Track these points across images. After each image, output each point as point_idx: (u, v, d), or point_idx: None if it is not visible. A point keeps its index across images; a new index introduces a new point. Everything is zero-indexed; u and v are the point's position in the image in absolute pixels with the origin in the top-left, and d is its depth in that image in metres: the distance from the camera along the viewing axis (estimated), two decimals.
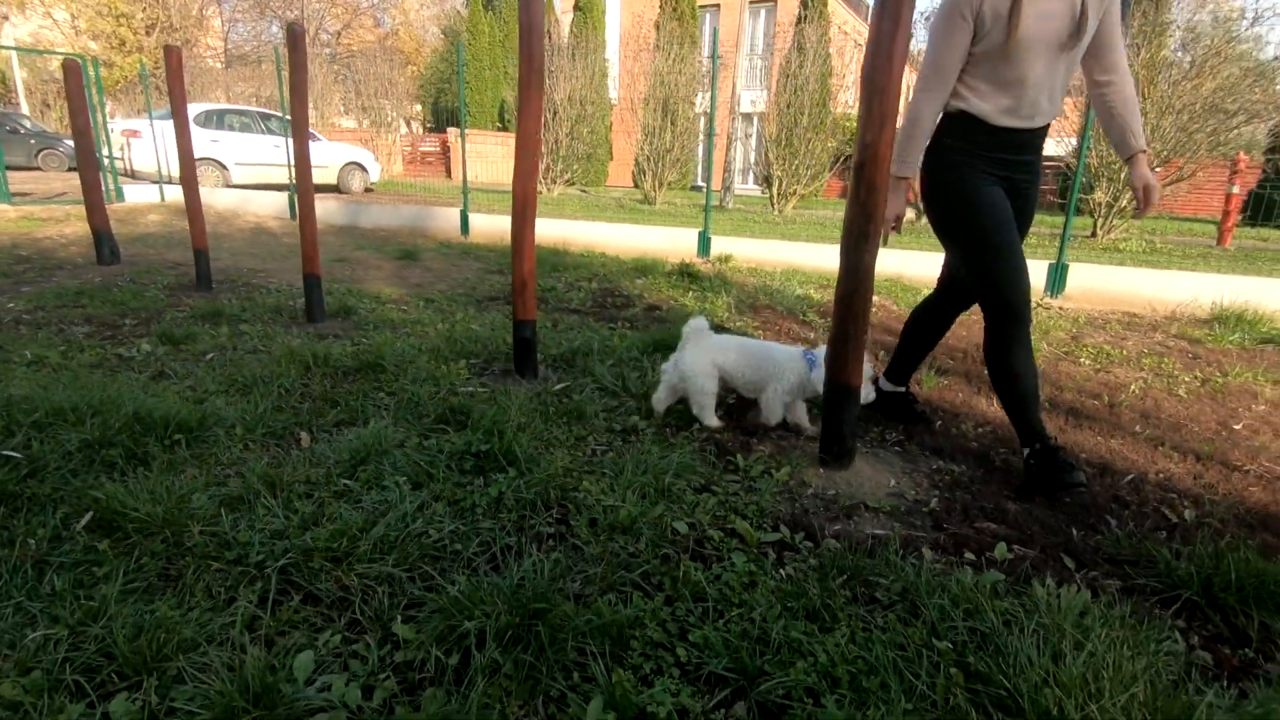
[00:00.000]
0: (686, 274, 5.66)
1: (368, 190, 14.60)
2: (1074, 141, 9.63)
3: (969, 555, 1.77)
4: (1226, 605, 1.56)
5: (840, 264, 2.17)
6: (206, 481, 1.93)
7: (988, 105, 2.08)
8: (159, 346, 3.28)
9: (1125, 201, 9.05)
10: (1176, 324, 4.74)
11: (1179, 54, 9.27)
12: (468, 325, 3.90)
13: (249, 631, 1.35)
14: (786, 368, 2.48)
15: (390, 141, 20.93)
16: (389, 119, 20.83)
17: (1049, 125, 2.15)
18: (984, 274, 2.14)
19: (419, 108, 31.25)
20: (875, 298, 5.23)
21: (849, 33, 18.26)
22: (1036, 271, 5.62)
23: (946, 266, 2.54)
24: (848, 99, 13.24)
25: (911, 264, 6.13)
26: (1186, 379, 3.48)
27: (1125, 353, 3.95)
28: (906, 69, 2.07)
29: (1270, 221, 11.16)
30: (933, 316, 2.63)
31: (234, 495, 1.84)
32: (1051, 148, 10.19)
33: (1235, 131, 8.57)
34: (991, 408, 2.95)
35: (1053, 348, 3.99)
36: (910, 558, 1.70)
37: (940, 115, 2.17)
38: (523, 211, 2.90)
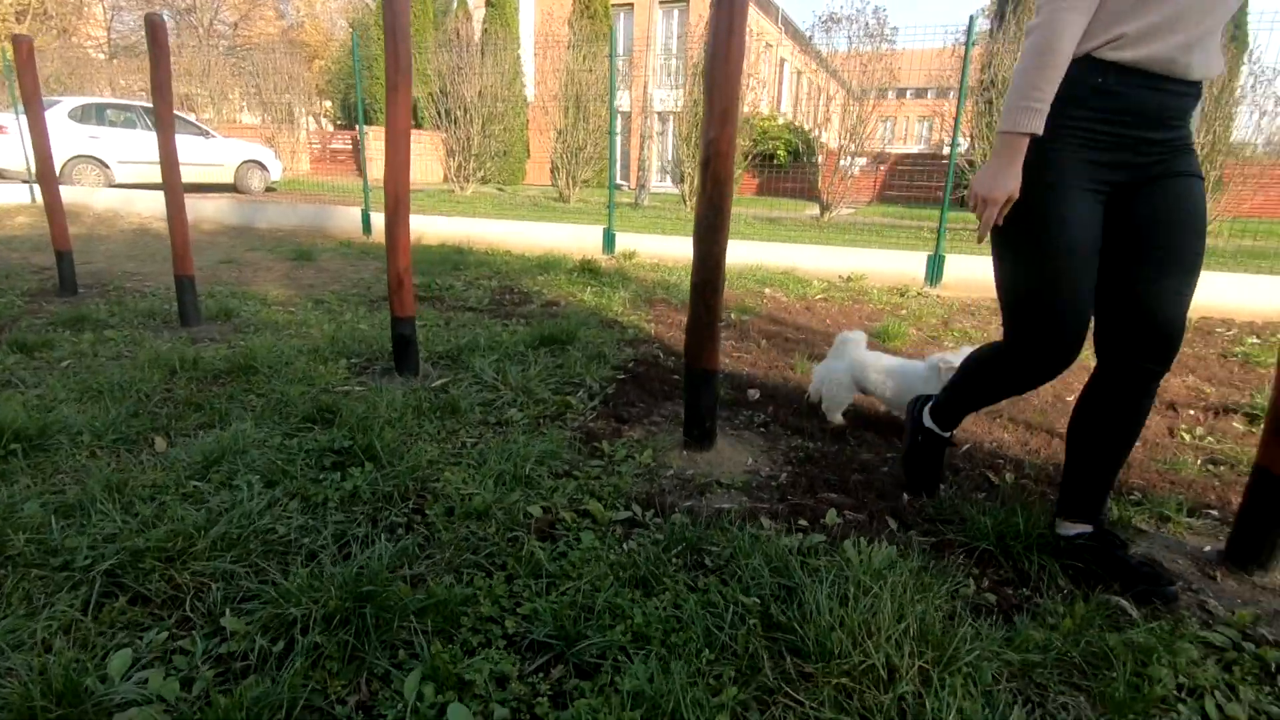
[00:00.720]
0: (588, 270, 5.73)
1: (269, 190, 13.99)
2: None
3: (802, 522, 1.91)
4: (1015, 553, 1.75)
5: (694, 254, 2.28)
6: (41, 490, 1.86)
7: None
8: (9, 355, 3.09)
9: None
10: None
11: None
12: (355, 325, 3.85)
13: (65, 635, 1.33)
14: (926, 379, 2.51)
15: (296, 139, 20.10)
16: (293, 115, 19.99)
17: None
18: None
19: (329, 104, 30.10)
20: (766, 289, 5.47)
21: (757, 33, 18.76)
22: (914, 263, 5.99)
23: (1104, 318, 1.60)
24: (755, 98, 13.62)
25: (806, 258, 6.41)
26: None
27: (986, 335, 4.27)
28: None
29: None
30: (1102, 402, 1.69)
31: (69, 503, 1.78)
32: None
33: None
34: None
35: (921, 332, 4.27)
36: (749, 527, 1.82)
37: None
38: (395, 209, 2.90)
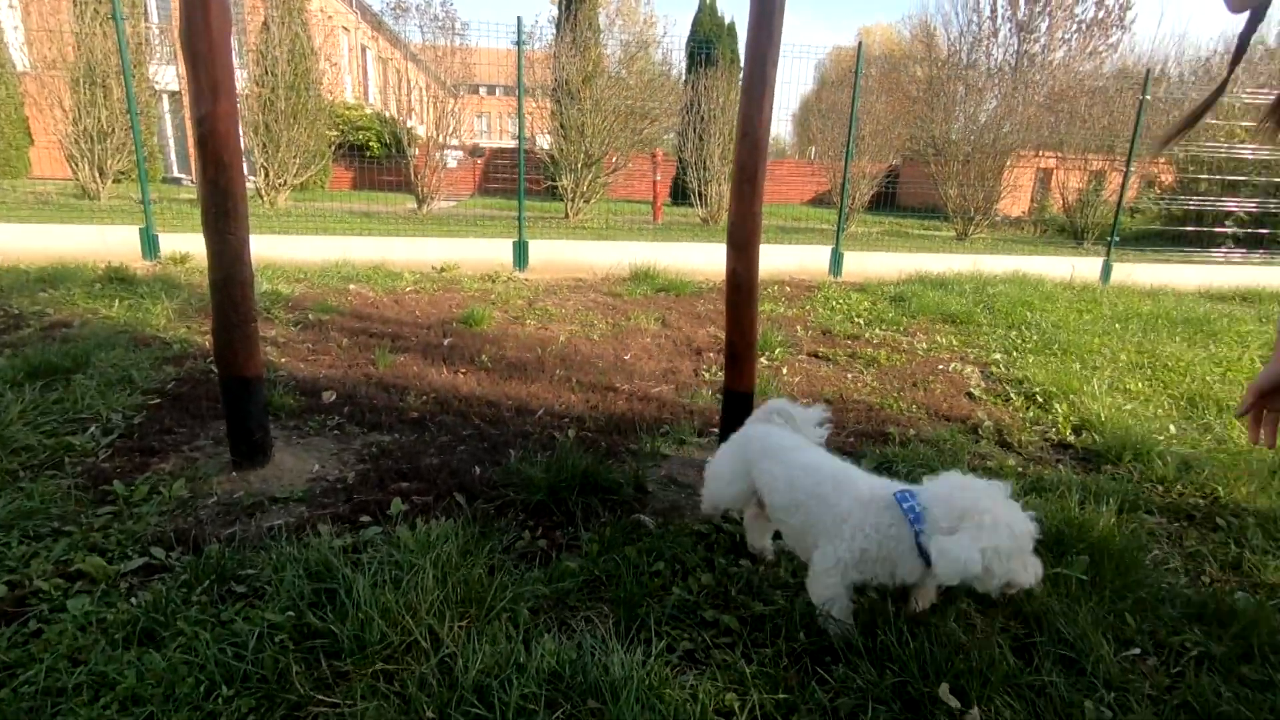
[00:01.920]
0: (118, 280, 4.66)
1: None
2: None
3: (365, 518, 1.83)
4: (566, 500, 1.95)
5: (206, 247, 1.98)
6: None
7: None
8: None
9: (585, 186, 10.86)
10: (608, 283, 5.88)
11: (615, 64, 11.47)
12: None
13: None
14: (852, 519, 1.37)
15: None
16: None
17: None
18: None
19: None
20: (351, 285, 5.16)
21: (329, 14, 17.41)
22: (504, 251, 6.31)
23: None
24: (332, 83, 12.66)
25: (399, 251, 6.24)
26: (602, 325, 4.32)
27: (565, 311, 4.70)
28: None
29: (685, 201, 14.84)
30: None
31: None
32: (543, 142, 11.28)
33: (645, 131, 10.98)
34: (441, 377, 3.16)
35: (506, 314, 4.51)
36: (301, 537, 1.67)
37: None
38: None
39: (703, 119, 10.50)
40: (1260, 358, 3.98)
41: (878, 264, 6.95)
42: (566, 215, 10.99)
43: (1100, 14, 15.58)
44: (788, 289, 5.95)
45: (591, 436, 2.55)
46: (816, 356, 3.84)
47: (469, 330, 4.01)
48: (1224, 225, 9.08)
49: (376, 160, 14.84)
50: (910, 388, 3.29)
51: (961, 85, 11.60)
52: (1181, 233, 9.29)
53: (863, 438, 2.64)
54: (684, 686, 1.23)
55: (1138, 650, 1.41)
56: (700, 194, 11.16)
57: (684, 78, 12.56)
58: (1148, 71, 7.18)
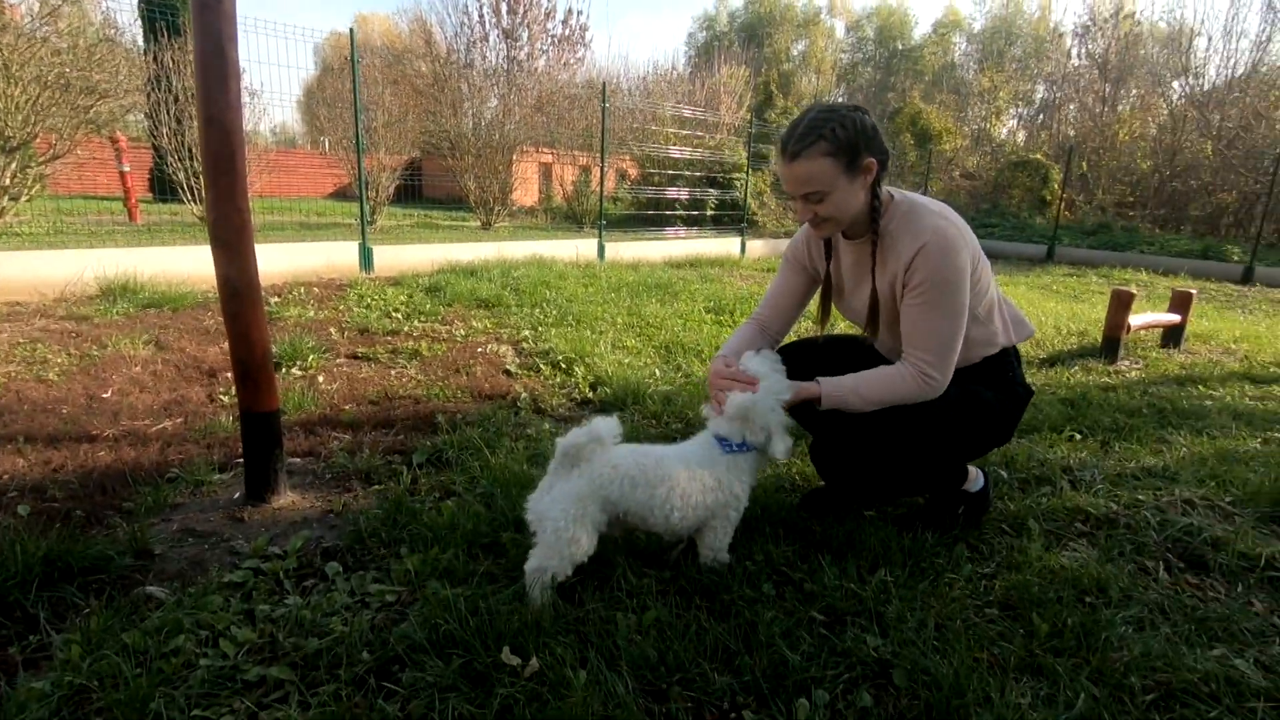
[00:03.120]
0: None
1: None
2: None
3: None
4: (21, 601, 1.45)
5: None
6: None
7: None
8: None
9: (8, 178, 8.07)
10: (65, 305, 4.53)
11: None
12: None
13: None
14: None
15: None
16: None
17: None
18: None
19: None
20: None
21: None
22: None
23: None
24: None
25: None
26: (61, 360, 3.31)
27: None
28: None
29: (175, 198, 12.31)
30: None
31: None
32: None
33: (94, 109, 8.70)
34: None
35: None
36: None
37: None
38: None
39: (176, 99, 8.84)
40: (703, 308, 5.29)
41: (410, 256, 6.95)
42: None
43: (566, 31, 18.23)
44: (315, 290, 5.51)
45: (58, 506, 1.94)
46: (356, 357, 3.66)
47: None
48: (673, 209, 11.73)
49: None
50: (454, 374, 3.40)
51: (465, 83, 12.27)
52: (648, 216, 11.66)
53: (412, 432, 2.62)
54: None
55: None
56: (191, 188, 9.44)
57: (144, 48, 10.31)
58: (604, 84, 8.74)
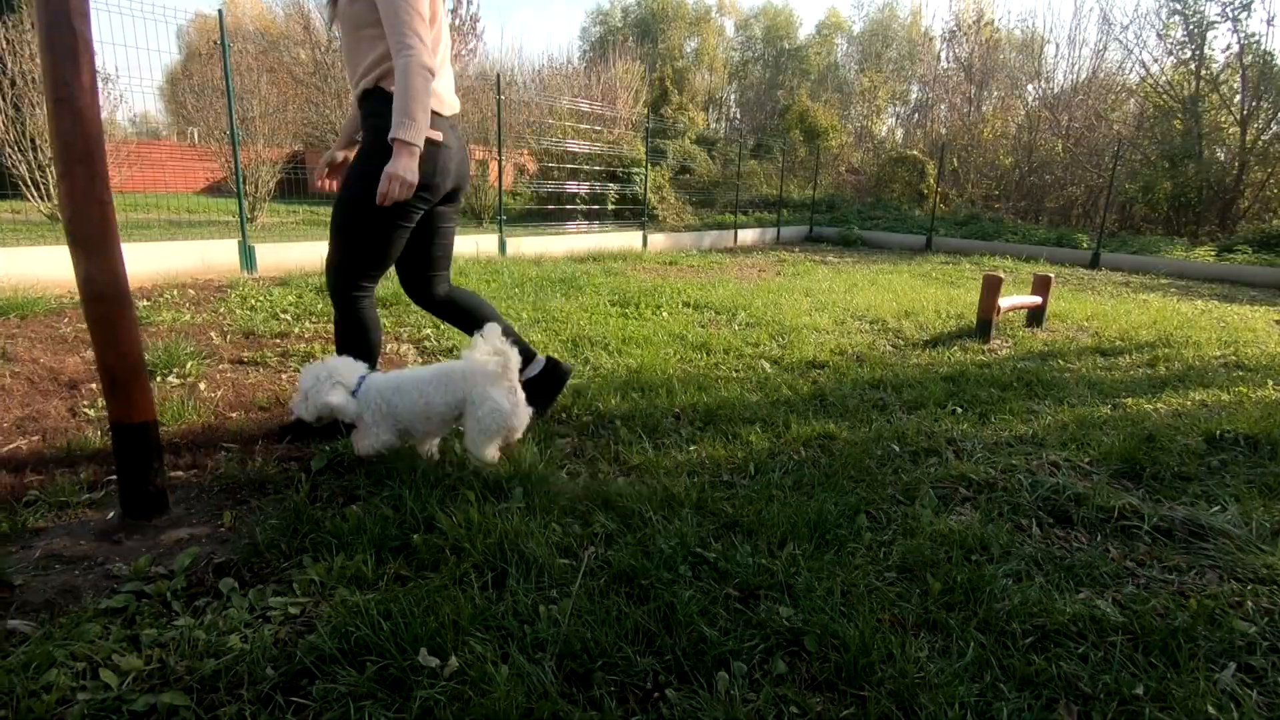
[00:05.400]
0: None
1: None
2: None
3: None
4: None
5: None
6: None
7: None
8: None
9: None
10: None
11: None
12: None
13: None
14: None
15: None
16: None
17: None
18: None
19: None
20: None
21: None
22: None
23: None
24: None
25: None
26: None
27: None
28: None
29: (16, 194, 11.01)
30: None
31: None
32: None
33: None
34: None
35: None
36: None
37: None
38: None
39: (14, 82, 7.91)
40: (608, 301, 5.31)
41: (297, 255, 6.55)
42: None
43: (457, 21, 17.68)
44: (191, 292, 5.10)
45: None
46: (242, 362, 3.42)
47: None
48: (574, 204, 11.67)
49: None
50: None
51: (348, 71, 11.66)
52: (549, 210, 11.55)
53: (309, 438, 2.48)
54: None
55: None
56: (36, 182, 8.49)
57: None
58: (499, 75, 8.56)
